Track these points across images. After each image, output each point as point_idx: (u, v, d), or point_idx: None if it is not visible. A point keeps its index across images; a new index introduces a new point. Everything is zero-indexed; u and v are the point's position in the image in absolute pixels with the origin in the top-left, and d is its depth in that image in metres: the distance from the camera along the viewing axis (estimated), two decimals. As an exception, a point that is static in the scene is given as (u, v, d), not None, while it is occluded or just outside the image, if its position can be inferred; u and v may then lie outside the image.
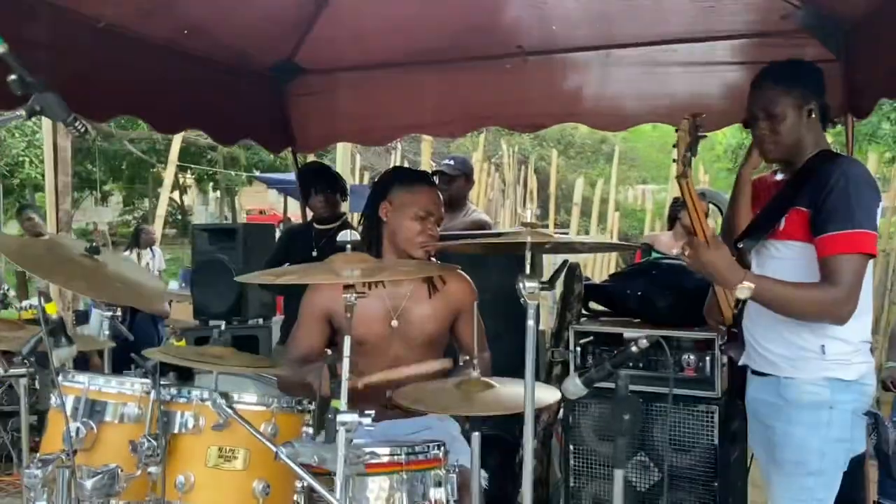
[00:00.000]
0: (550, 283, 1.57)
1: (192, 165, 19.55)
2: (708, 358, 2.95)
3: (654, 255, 4.40)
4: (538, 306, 1.55)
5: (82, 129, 1.56)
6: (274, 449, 1.47)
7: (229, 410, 1.50)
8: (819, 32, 3.22)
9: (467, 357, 1.88)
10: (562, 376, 3.24)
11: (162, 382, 1.62)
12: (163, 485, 1.53)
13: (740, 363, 2.27)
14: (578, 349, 3.17)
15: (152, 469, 1.58)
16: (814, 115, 2.09)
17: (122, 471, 1.54)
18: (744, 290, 1.93)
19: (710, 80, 3.49)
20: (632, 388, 1.86)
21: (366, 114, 4.09)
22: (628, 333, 3.21)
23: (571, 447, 3.19)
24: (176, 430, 1.60)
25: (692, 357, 2.97)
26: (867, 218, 1.94)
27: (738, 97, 3.32)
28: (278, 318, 5.52)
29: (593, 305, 3.49)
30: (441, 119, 4.05)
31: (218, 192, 23.94)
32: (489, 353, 2.43)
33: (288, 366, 2.30)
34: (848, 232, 1.91)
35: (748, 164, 2.38)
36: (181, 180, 23.04)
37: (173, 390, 1.64)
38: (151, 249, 7.96)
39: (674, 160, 2.08)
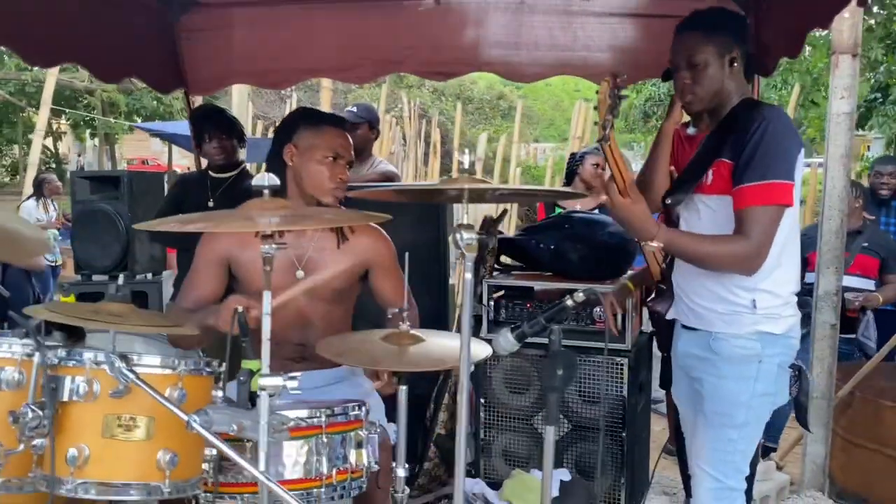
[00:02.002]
0: (488, 233, 1.47)
1: (68, 110, 18.16)
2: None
3: (558, 210, 4.41)
4: (475, 258, 1.44)
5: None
6: (185, 418, 1.31)
7: (130, 374, 1.33)
8: (730, -13, 3.23)
9: (396, 309, 1.76)
10: (475, 330, 3.19)
11: (48, 343, 1.42)
12: (52, 459, 1.34)
13: (669, 317, 2.27)
14: (492, 303, 3.14)
15: (37, 442, 1.38)
16: (736, 65, 2.06)
17: (1, 445, 1.34)
18: (652, 246, 1.96)
19: (624, 33, 3.45)
20: (543, 340, 1.81)
21: (265, 54, 3.81)
22: (539, 286, 3.20)
23: (482, 400, 3.17)
24: (65, 398, 1.40)
25: (603, 310, 2.98)
26: (784, 168, 1.93)
27: (652, 50, 3.33)
28: (169, 273, 5.21)
29: (506, 260, 3.46)
30: (347, 63, 3.83)
31: (96, 140, 22.42)
32: (416, 309, 2.33)
33: (178, 314, 2.12)
34: (762, 184, 1.91)
35: (670, 118, 2.34)
36: (55, 126, 21.44)
37: (62, 353, 1.43)
38: (52, 201, 7.48)
39: (595, 123, 2.01)
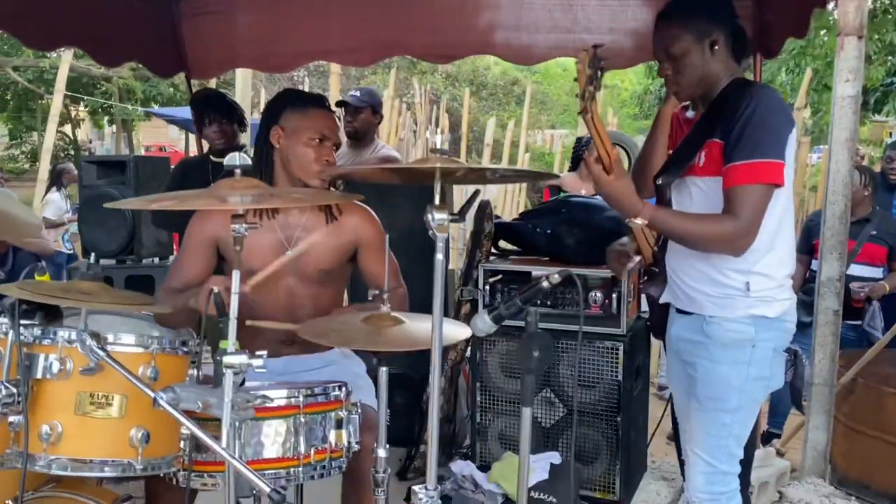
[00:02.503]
0: (461, 215, 1.46)
1: (85, 97, 18.31)
2: (614, 295, 2.96)
3: (563, 194, 4.39)
4: (447, 239, 1.44)
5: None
6: (152, 395, 1.32)
7: (101, 353, 1.34)
8: (733, -33, 3.18)
9: (377, 291, 1.77)
10: (471, 315, 3.19)
11: (22, 322, 1.43)
12: (26, 436, 1.36)
13: (662, 301, 2.25)
14: (487, 288, 3.13)
15: (13, 419, 1.41)
16: (718, 46, 2.01)
17: (-24, 422, 1.36)
18: (636, 222, 1.93)
19: (624, 14, 3.41)
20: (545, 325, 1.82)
21: (267, 37, 3.81)
22: (537, 271, 3.19)
23: (478, 384, 3.18)
24: (39, 375, 1.43)
25: (599, 294, 2.98)
26: (774, 147, 1.90)
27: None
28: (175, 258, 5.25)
29: (503, 244, 3.45)
30: (347, 45, 3.81)
31: (114, 127, 22.59)
32: (405, 288, 2.33)
33: (165, 295, 2.14)
34: (751, 162, 1.87)
35: (668, 101, 2.32)
36: (73, 113, 21.62)
37: (37, 331, 1.45)
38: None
39: (575, 95, 1.98)
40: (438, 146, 1.47)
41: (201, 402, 1.31)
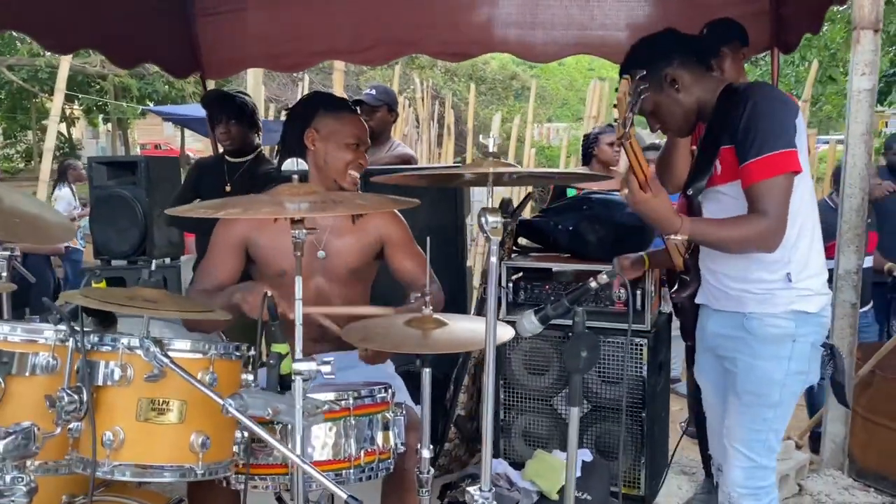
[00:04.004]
0: (513, 217, 1.47)
1: (81, 95, 18.21)
2: (638, 292, 2.97)
3: (570, 191, 4.37)
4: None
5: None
6: (221, 402, 1.33)
7: (165, 359, 1.35)
8: (751, -36, 3.20)
9: (418, 294, 1.78)
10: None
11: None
12: (93, 442, 1.37)
13: (697, 301, 2.26)
14: (510, 285, 3.14)
15: (73, 425, 1.41)
16: (679, 80, 2.02)
17: (38, 429, 1.37)
18: (676, 239, 1.95)
19: (641, 11, 3.43)
20: (562, 321, 1.82)
21: (279, 37, 3.82)
22: (557, 268, 3.20)
23: (502, 382, 3.19)
24: (100, 382, 1.43)
25: (622, 291, 2.99)
26: (782, 136, 1.91)
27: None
28: (187, 258, 5.25)
29: (521, 241, 3.45)
30: (361, 44, 3.82)
31: (109, 125, 22.50)
32: (437, 284, 2.34)
33: (196, 297, 2.15)
34: (764, 157, 1.89)
35: None
36: (68, 111, 21.53)
37: (94, 338, 1.46)
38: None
39: (615, 120, 1.99)
40: (491, 149, 1.47)
41: (271, 408, 1.32)
